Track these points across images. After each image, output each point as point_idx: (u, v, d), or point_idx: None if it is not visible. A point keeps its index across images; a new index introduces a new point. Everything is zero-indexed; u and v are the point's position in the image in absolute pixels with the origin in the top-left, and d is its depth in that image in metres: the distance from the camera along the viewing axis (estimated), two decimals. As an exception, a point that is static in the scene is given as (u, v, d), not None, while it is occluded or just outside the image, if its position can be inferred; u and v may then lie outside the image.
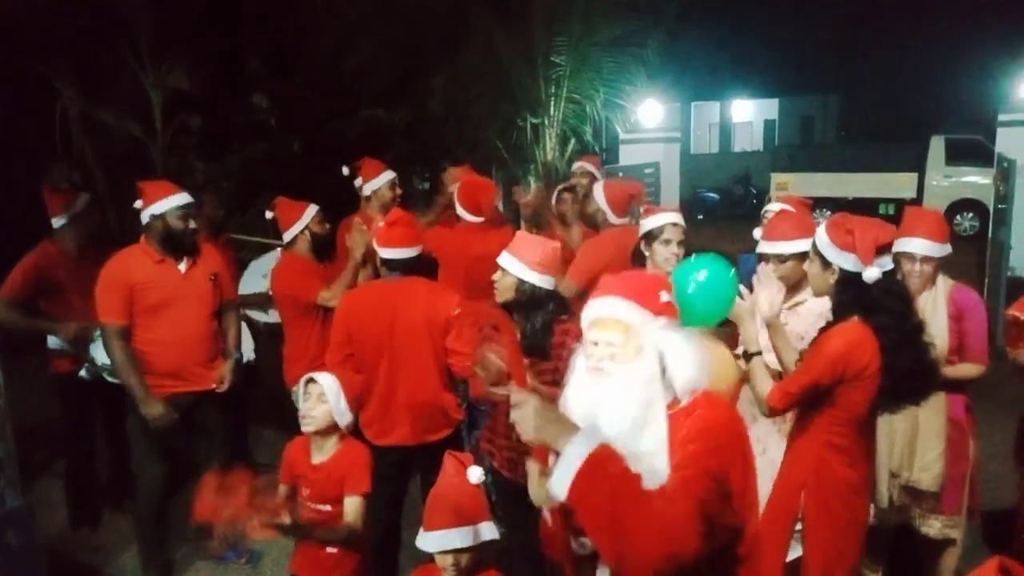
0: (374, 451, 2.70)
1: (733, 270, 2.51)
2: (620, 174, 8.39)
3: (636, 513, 1.43)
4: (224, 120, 9.01)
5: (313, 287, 3.64)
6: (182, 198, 3.43)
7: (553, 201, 4.81)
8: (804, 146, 21.65)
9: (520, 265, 2.69)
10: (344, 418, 2.49)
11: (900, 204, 12.85)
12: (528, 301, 2.70)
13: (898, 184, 13.91)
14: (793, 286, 2.82)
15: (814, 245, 2.46)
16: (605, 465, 1.45)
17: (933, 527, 2.98)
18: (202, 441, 3.61)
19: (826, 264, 2.38)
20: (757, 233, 3.02)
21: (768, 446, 2.76)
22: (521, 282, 2.70)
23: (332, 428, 2.48)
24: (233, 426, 3.79)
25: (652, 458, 1.55)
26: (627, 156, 9.55)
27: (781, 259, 2.78)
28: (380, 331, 3.08)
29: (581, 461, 1.43)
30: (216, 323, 3.57)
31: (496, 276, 2.75)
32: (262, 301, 4.41)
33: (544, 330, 2.68)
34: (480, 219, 4.01)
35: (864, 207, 12.87)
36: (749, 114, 28.41)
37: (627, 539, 1.43)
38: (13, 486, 2.94)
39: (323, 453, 2.49)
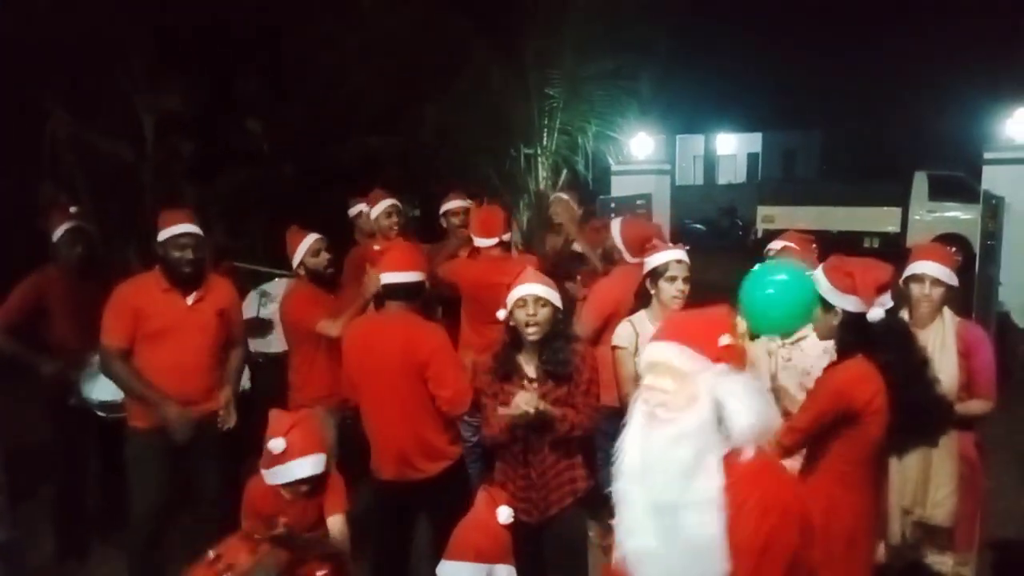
0: (373, 483, 2.67)
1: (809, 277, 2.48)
2: (612, 205, 8.44)
3: None
4: (216, 144, 8.96)
5: (314, 315, 3.61)
6: (184, 227, 3.37)
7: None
8: (789, 180, 22.04)
9: (554, 294, 2.76)
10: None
11: (884, 238, 13.08)
12: (554, 329, 2.76)
13: (882, 218, 14.14)
14: None
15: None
16: None
17: (946, 565, 2.96)
18: (199, 472, 3.52)
19: (828, 307, 2.41)
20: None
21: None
22: (556, 310, 2.76)
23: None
24: (229, 456, 3.69)
25: (701, 509, 1.50)
26: (618, 187, 9.62)
27: None
28: (360, 367, 3.04)
29: None
30: (218, 356, 3.50)
31: (531, 311, 2.72)
32: (256, 328, 4.36)
33: (565, 357, 2.73)
34: (494, 241, 4.02)
35: (849, 241, 13.07)
36: (733, 147, 28.87)
37: None
38: (3, 519, 2.85)
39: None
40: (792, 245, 3.36)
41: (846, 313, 2.35)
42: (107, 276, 3.73)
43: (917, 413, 2.37)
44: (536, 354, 2.79)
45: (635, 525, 1.58)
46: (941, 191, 13.44)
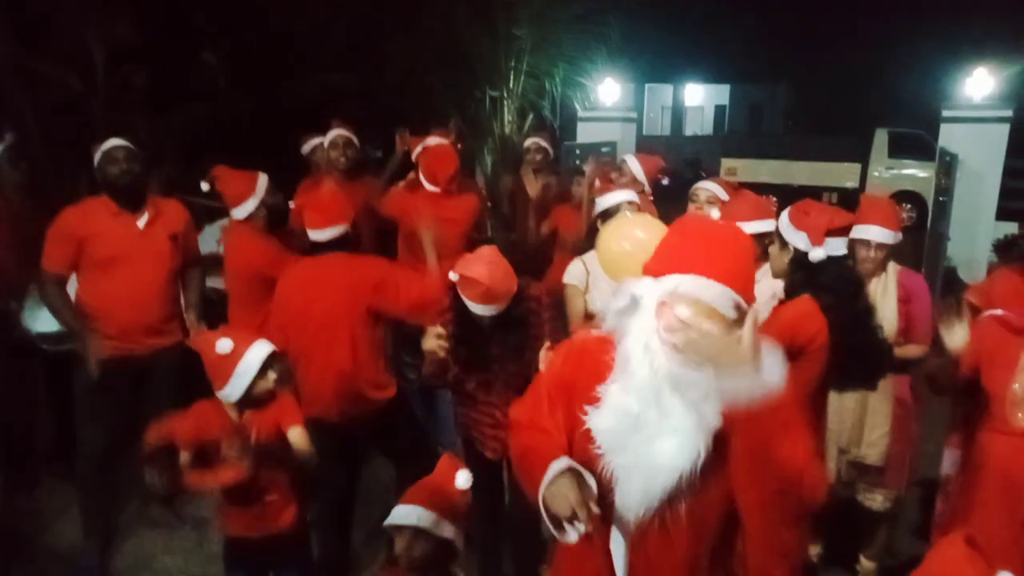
0: (309, 425, 2.64)
1: None
2: (578, 151, 8.40)
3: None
4: (170, 77, 8.65)
5: (280, 264, 3.43)
6: (116, 141, 3.31)
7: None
8: (753, 133, 22.11)
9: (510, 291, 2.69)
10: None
11: (843, 193, 13.26)
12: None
13: (842, 174, 14.33)
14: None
15: (777, 226, 2.54)
16: None
17: (876, 500, 3.11)
18: (152, 405, 3.50)
19: (784, 244, 2.46)
20: (715, 214, 3.06)
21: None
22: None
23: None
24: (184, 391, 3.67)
25: (686, 435, 1.47)
26: (584, 134, 9.56)
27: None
28: (302, 310, 3.02)
29: None
30: (174, 284, 3.45)
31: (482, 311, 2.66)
32: (213, 264, 4.28)
33: (521, 320, 2.73)
34: (436, 189, 3.97)
35: (808, 195, 13.13)
36: (701, 99, 28.79)
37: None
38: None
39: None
40: (718, 188, 3.41)
41: (796, 251, 2.40)
42: (54, 204, 3.62)
43: (856, 358, 2.44)
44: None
45: (630, 439, 1.50)
46: (900, 149, 13.62)
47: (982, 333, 2.46)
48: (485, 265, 2.56)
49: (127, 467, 3.64)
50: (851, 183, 13.93)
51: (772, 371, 1.38)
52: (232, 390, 2.31)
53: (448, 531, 1.92)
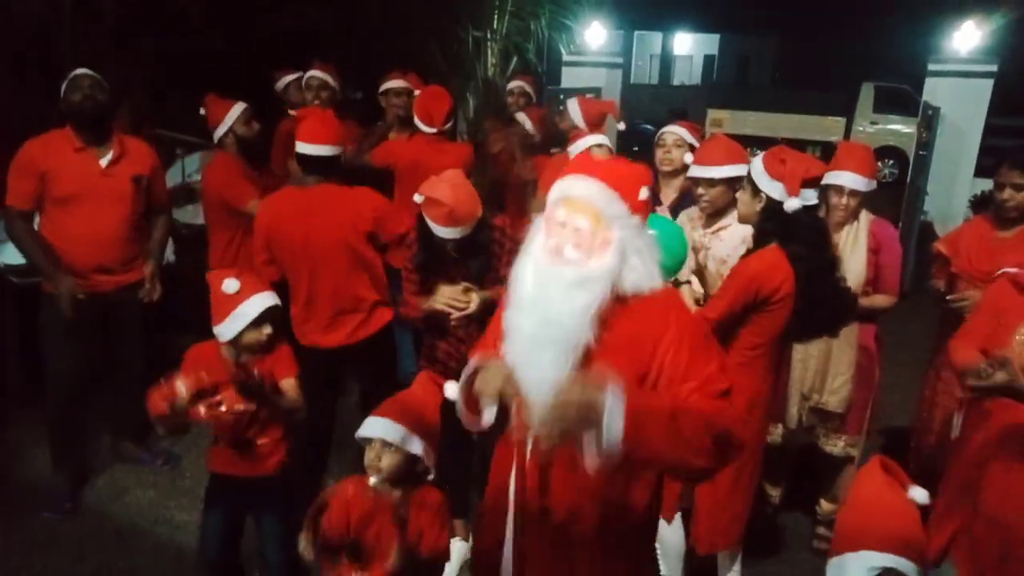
0: (301, 351, 2.67)
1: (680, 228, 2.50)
2: (561, 96, 8.27)
3: (691, 440, 1.48)
4: (141, 8, 8.34)
5: (245, 194, 3.48)
6: (82, 71, 3.21)
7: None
8: (740, 84, 21.88)
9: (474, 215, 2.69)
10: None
11: (826, 147, 13.22)
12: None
13: (826, 127, 14.27)
14: (718, 211, 2.87)
15: (748, 172, 2.51)
16: (643, 420, 1.44)
17: (836, 446, 3.17)
18: (120, 341, 3.48)
19: (756, 191, 2.44)
20: (688, 158, 3.04)
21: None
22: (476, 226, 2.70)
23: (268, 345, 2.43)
24: (151, 329, 3.64)
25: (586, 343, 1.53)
26: (569, 79, 9.41)
27: (711, 183, 2.80)
28: (296, 239, 2.99)
29: (621, 431, 1.41)
30: (138, 226, 3.39)
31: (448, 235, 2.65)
32: (181, 197, 4.22)
33: (485, 247, 2.72)
34: (434, 130, 3.91)
35: (793, 148, 13.17)
36: (689, 48, 28.39)
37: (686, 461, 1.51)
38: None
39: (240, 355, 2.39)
40: (684, 132, 3.39)
41: (769, 199, 2.38)
42: (20, 138, 3.51)
43: (819, 308, 2.45)
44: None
45: (523, 355, 1.57)
46: (886, 103, 13.57)
47: (994, 292, 2.41)
48: (449, 187, 2.56)
49: (98, 402, 3.65)
50: (836, 137, 13.87)
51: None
52: (225, 330, 2.31)
53: (416, 447, 1.93)
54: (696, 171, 2.88)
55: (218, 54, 8.38)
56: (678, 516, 2.72)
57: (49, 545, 3.13)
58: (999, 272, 2.42)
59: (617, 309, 1.58)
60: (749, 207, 2.47)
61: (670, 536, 2.75)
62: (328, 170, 3.00)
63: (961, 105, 7.55)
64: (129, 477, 3.62)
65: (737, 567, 2.82)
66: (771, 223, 2.39)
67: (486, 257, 2.73)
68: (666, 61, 28.45)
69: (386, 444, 1.92)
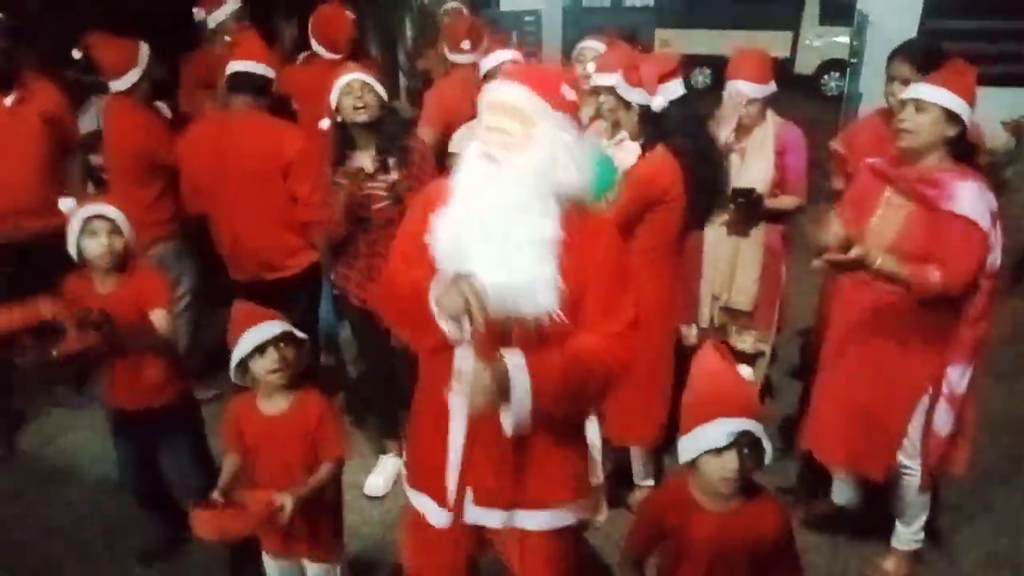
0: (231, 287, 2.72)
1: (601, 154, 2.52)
2: (499, 21, 8.10)
3: (592, 382, 1.61)
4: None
5: (172, 145, 3.32)
6: None
7: None
8: (690, 3, 21.49)
9: (379, 86, 2.78)
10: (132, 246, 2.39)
11: (773, 62, 13.18)
12: (386, 117, 2.80)
13: (773, 43, 14.06)
14: (618, 121, 2.90)
15: (615, 91, 2.59)
16: (546, 373, 1.56)
17: (746, 343, 3.30)
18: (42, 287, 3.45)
19: (627, 105, 2.54)
20: (591, 67, 3.07)
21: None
22: (383, 100, 2.78)
23: (121, 260, 2.37)
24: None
25: (534, 247, 1.54)
26: (508, 1, 9.19)
27: (610, 91, 2.82)
28: (215, 169, 2.98)
29: (529, 392, 1.54)
30: (50, 168, 3.32)
31: (358, 94, 2.72)
32: (98, 142, 4.11)
33: (402, 142, 2.81)
34: (337, 56, 3.81)
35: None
36: (641, -32, 27.70)
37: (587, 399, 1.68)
38: None
39: (108, 284, 2.36)
40: (599, 44, 3.40)
41: (640, 107, 2.48)
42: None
43: (702, 191, 2.53)
44: (371, 146, 2.80)
45: (469, 260, 1.56)
46: (831, 15, 13.52)
47: (856, 181, 2.52)
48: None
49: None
50: (782, 52, 13.85)
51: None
52: (71, 247, 2.32)
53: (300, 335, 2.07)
54: (598, 79, 2.90)
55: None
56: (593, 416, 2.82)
57: (-15, 487, 3.18)
58: (864, 161, 2.52)
59: (569, 217, 1.60)
60: (628, 121, 2.56)
61: (588, 433, 2.86)
62: (260, 93, 2.99)
63: (893, 11, 7.56)
64: (62, 422, 3.66)
65: (649, 464, 2.96)
66: (649, 127, 2.49)
67: (402, 170, 2.76)
68: (618, -18, 27.84)
69: (279, 340, 1.99)
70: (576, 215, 1.62)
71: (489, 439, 1.70)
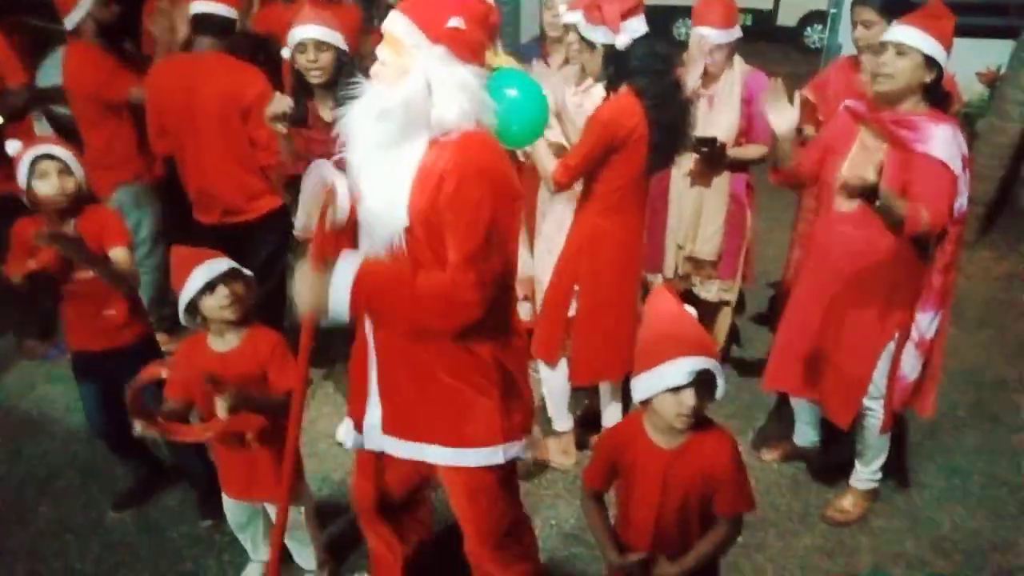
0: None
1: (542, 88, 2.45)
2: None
3: (419, 306, 1.60)
4: None
5: (120, 83, 3.32)
6: None
7: None
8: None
9: (337, 36, 2.71)
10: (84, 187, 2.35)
11: (757, 15, 13.04)
12: (344, 71, 2.70)
13: (755, -5, 13.93)
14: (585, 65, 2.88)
15: (577, 31, 2.55)
16: (371, 281, 1.59)
17: (711, 292, 3.35)
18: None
19: (590, 46, 2.49)
20: (562, 8, 3.03)
21: (564, 222, 2.91)
22: (340, 53, 2.73)
23: (75, 202, 2.34)
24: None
25: (397, 177, 1.58)
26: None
27: (574, 31, 2.79)
28: (180, 110, 2.98)
29: (349, 289, 1.57)
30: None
31: (311, 56, 2.68)
32: (62, 92, 4.03)
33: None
34: None
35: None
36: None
37: (420, 325, 1.66)
38: None
39: (63, 227, 2.32)
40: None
41: (604, 46, 2.44)
42: None
43: (669, 131, 2.50)
44: (329, 98, 2.76)
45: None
46: (815, -34, 13.29)
47: (832, 123, 2.52)
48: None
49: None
50: (765, 5, 13.65)
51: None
52: (22, 190, 2.28)
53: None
54: (568, 17, 2.83)
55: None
56: (563, 360, 2.86)
57: (-42, 438, 3.20)
58: (842, 104, 2.51)
59: (435, 149, 1.58)
60: (592, 61, 2.52)
61: (554, 379, 2.91)
62: (223, 34, 2.98)
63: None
64: (37, 373, 3.67)
65: (618, 401, 3.01)
66: (612, 67, 2.45)
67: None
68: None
69: (228, 276, 2.02)
70: (458, 149, 1.55)
71: (397, 371, 1.78)
